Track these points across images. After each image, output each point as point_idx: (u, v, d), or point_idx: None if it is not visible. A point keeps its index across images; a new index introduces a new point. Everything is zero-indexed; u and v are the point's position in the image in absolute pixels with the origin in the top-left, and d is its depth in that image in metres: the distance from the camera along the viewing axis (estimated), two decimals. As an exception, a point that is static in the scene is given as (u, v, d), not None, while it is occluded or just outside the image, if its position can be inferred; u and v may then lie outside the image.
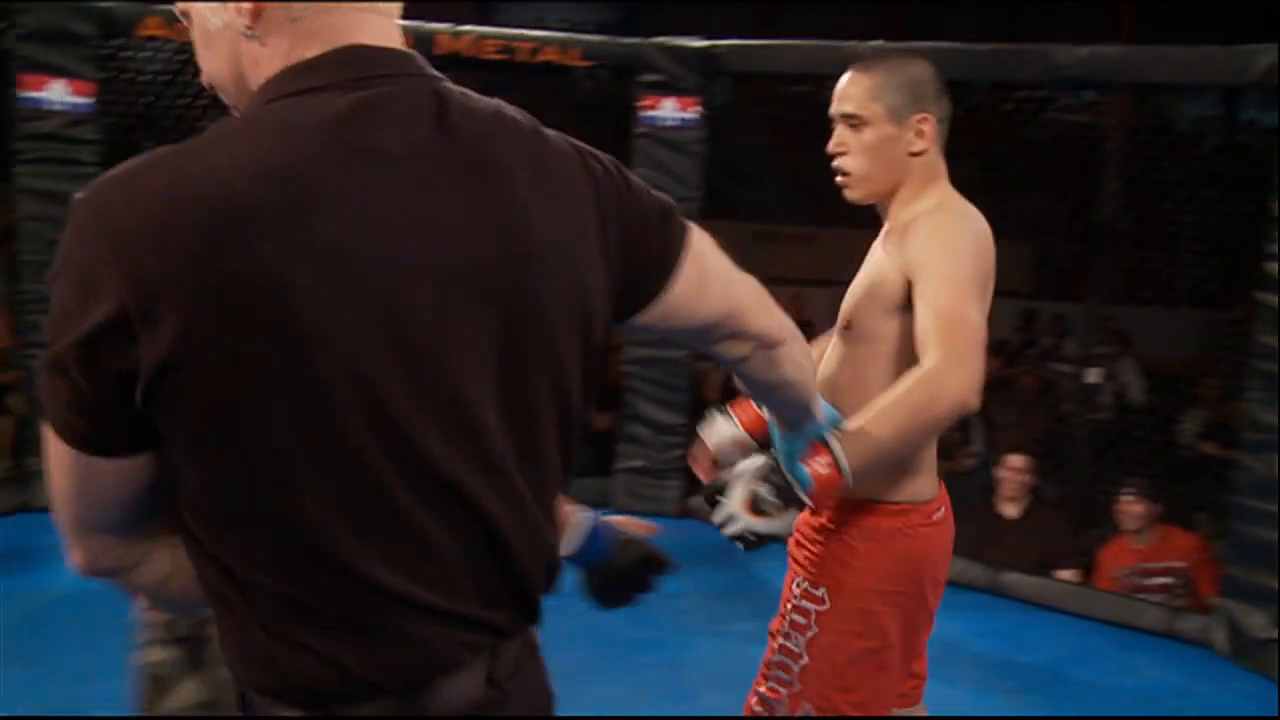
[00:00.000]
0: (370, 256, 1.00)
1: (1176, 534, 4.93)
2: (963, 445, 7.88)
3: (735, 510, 1.83)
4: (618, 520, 1.73)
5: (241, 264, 0.95)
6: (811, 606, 2.05)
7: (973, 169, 10.65)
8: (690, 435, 5.27)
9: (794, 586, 2.08)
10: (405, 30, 3.92)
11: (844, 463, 1.78)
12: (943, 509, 2.10)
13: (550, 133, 1.16)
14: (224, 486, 1.03)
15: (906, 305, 1.96)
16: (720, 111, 5.24)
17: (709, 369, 6.03)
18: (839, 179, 2.09)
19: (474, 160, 1.07)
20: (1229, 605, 4.09)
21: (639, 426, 5.29)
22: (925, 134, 2.04)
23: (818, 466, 1.78)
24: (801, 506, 1.82)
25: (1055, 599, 4.53)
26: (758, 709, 2.10)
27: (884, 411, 1.84)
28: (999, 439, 7.95)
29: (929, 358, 1.85)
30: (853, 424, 1.83)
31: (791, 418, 1.69)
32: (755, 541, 1.85)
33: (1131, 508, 4.83)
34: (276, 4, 1.06)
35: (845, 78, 2.07)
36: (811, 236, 14.90)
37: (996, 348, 9.41)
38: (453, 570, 1.11)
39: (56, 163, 4.71)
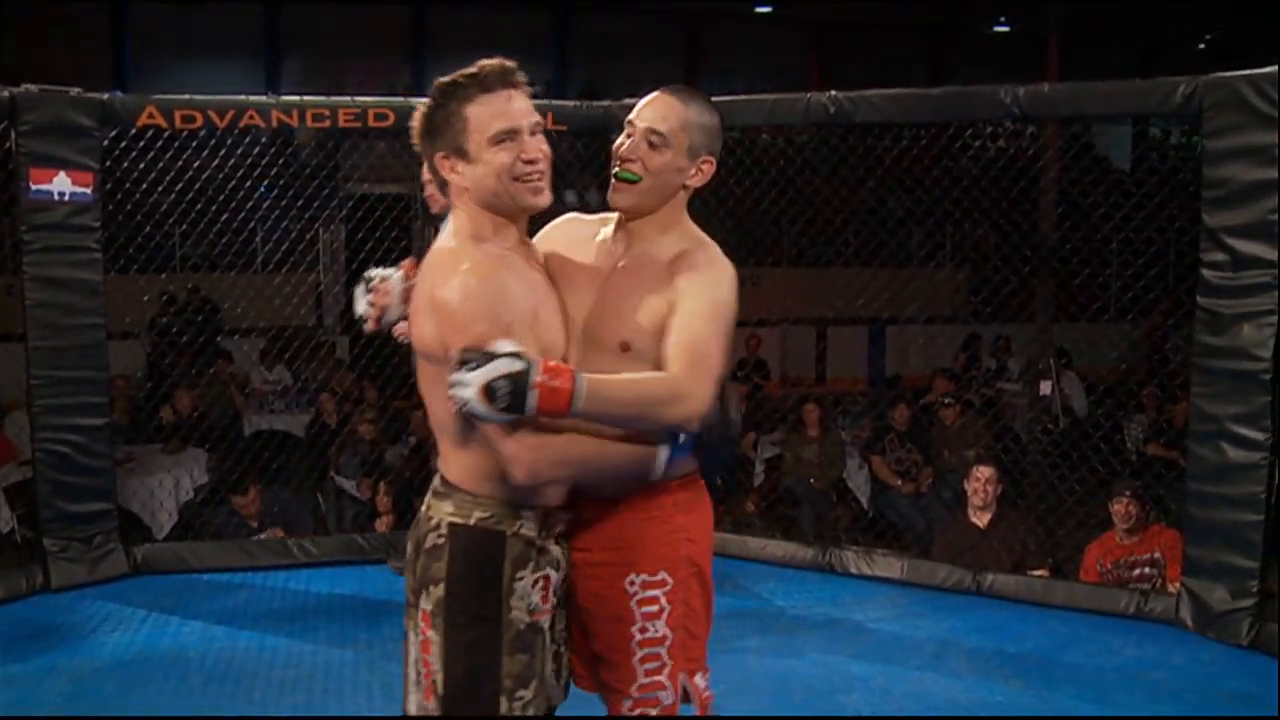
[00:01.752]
0: None
1: (1157, 528, 5.33)
2: (924, 466, 8.26)
3: (470, 390, 1.94)
4: None
5: None
6: (657, 592, 2.22)
7: (908, 202, 11.16)
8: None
9: (627, 584, 2.22)
10: (392, 105, 4.25)
11: (581, 396, 1.97)
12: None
13: None
14: None
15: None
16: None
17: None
18: (617, 183, 2.21)
19: None
20: (1191, 584, 4.46)
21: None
22: (704, 173, 2.25)
23: (551, 384, 1.95)
24: (522, 413, 1.96)
25: (1034, 594, 4.87)
26: (638, 711, 2.24)
27: (628, 384, 2.05)
28: (957, 457, 8.34)
29: (676, 368, 2.06)
30: (602, 380, 2.01)
31: None
32: (475, 418, 2.00)
33: (1127, 509, 5.21)
34: None
35: (663, 101, 2.22)
36: (757, 277, 15.36)
37: (946, 372, 9.82)
38: None
39: (62, 250, 4.92)
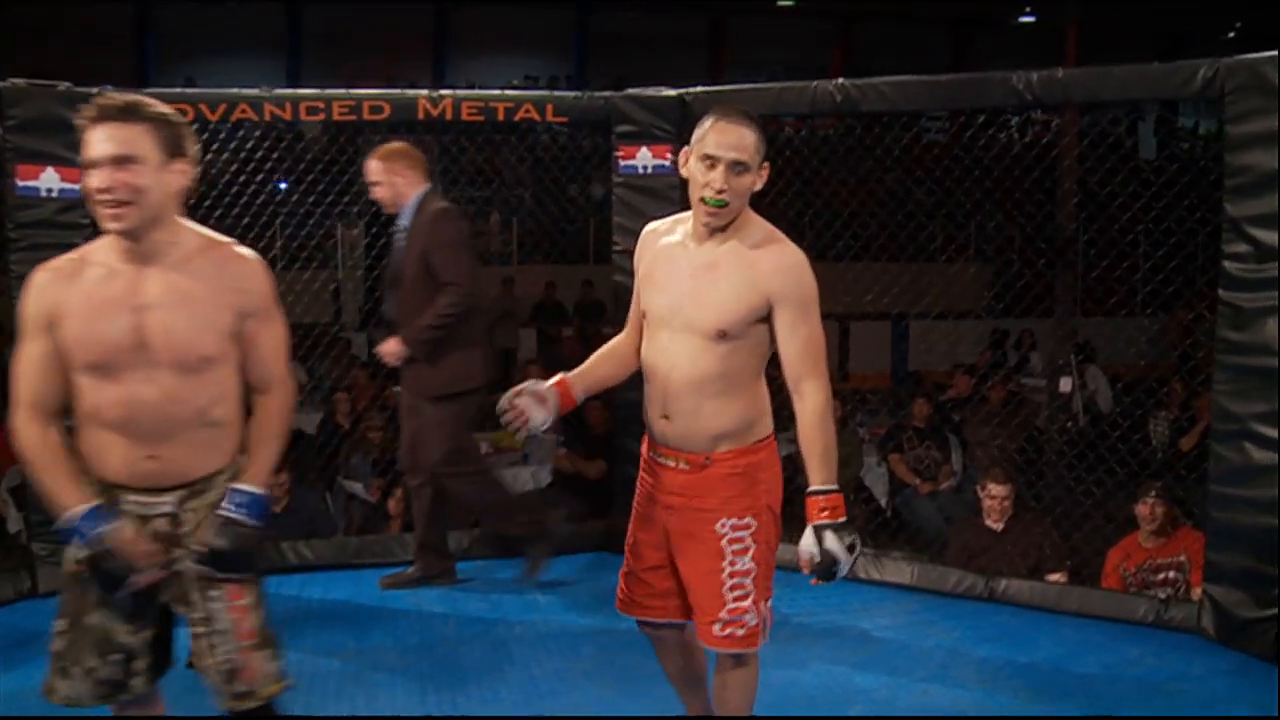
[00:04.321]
0: None
1: (1183, 531, 5.14)
2: (943, 465, 8.06)
3: (848, 566, 2.64)
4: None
5: None
6: (745, 533, 2.76)
7: (932, 194, 10.96)
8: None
9: (719, 527, 2.75)
10: (388, 98, 4.26)
11: (834, 488, 2.67)
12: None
13: None
14: None
15: (766, 316, 2.70)
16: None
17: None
18: (711, 208, 2.67)
19: None
20: (1214, 590, 4.26)
21: (634, 469, 5.34)
22: (763, 176, 2.74)
23: (826, 505, 2.65)
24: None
25: (1048, 601, 4.67)
26: (727, 631, 2.77)
27: (826, 452, 2.68)
28: (978, 455, 8.15)
29: (811, 386, 2.70)
30: (818, 470, 2.68)
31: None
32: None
33: (1153, 510, 5.03)
34: None
35: (735, 131, 2.65)
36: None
37: (968, 368, 9.63)
38: None
39: (49, 249, 4.79)
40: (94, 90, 4.81)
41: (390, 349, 4.67)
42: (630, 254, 5.14)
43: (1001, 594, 4.73)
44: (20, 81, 4.76)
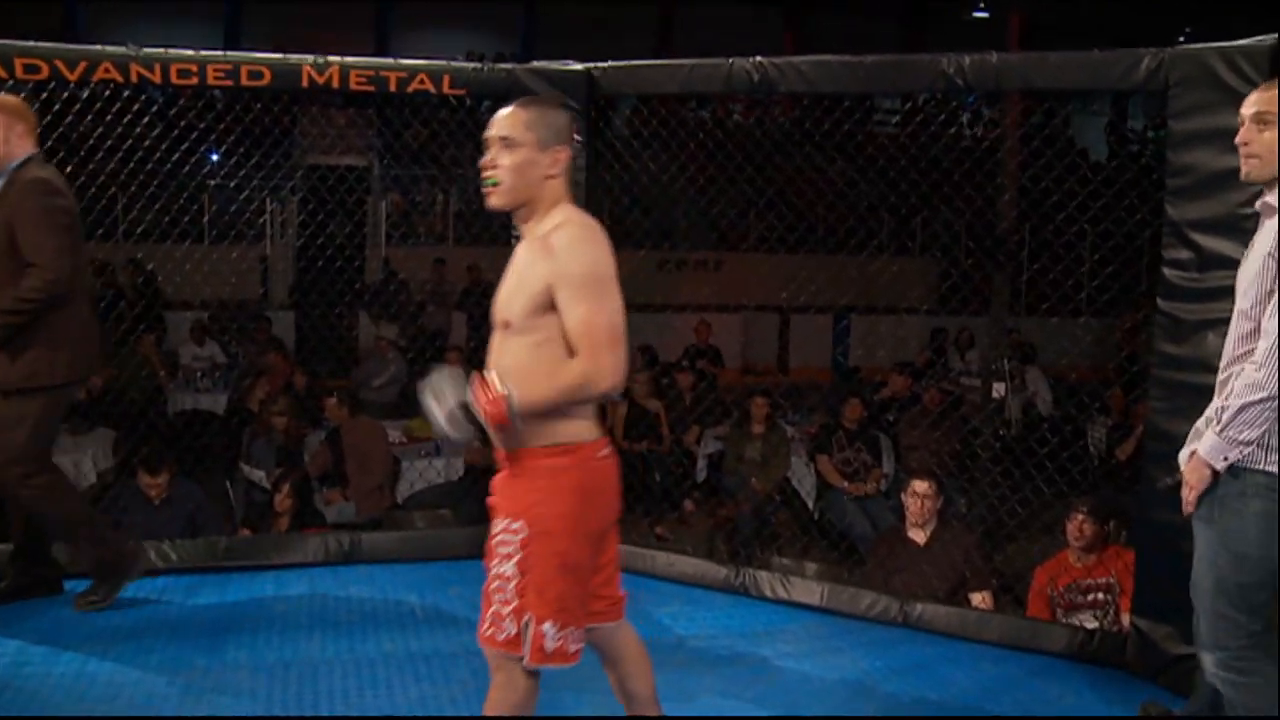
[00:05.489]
0: None
1: (1111, 550, 4.84)
2: (873, 468, 7.75)
3: (440, 422, 2.60)
4: None
5: None
6: (511, 537, 2.64)
7: (880, 188, 10.66)
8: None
9: (494, 525, 2.68)
10: (268, 63, 3.83)
11: (511, 397, 2.53)
12: (607, 449, 2.71)
13: None
14: None
15: (552, 306, 2.57)
16: (620, 137, 5.05)
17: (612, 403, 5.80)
18: (486, 189, 2.67)
19: None
20: (1141, 623, 3.95)
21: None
22: (560, 161, 2.66)
23: (483, 400, 2.54)
24: (477, 425, 2.60)
25: (967, 629, 4.33)
26: (488, 631, 2.68)
27: (548, 386, 2.56)
28: (908, 459, 7.85)
29: (580, 359, 2.54)
30: (521, 385, 2.55)
31: None
32: (453, 442, 2.78)
33: (1080, 527, 4.73)
34: None
35: (507, 111, 2.67)
36: (717, 262, 14.87)
37: (904, 367, 9.34)
38: None
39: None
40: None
41: None
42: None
43: (917, 619, 4.38)
44: None
